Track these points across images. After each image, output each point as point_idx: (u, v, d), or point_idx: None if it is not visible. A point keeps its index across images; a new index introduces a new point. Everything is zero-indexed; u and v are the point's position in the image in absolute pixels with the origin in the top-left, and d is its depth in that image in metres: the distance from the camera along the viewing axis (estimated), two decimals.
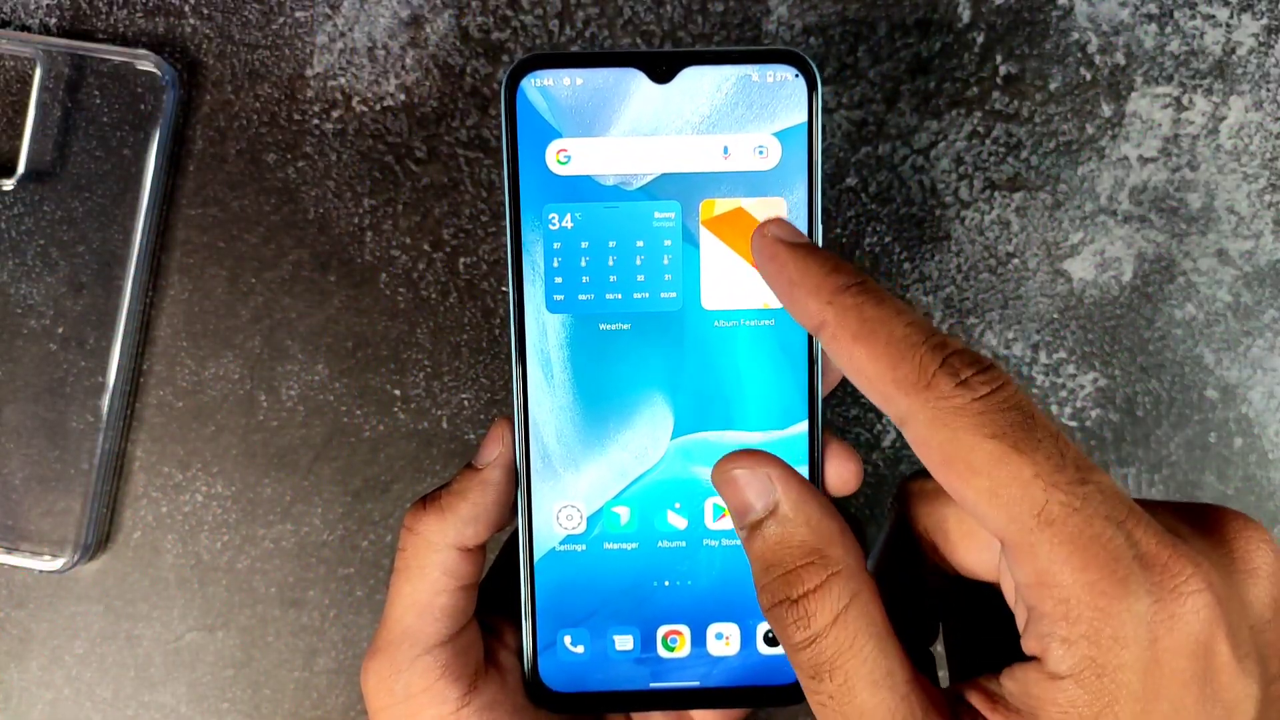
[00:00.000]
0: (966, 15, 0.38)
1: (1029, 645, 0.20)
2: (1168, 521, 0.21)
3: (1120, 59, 0.38)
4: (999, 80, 0.38)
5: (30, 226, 0.39)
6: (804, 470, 0.30)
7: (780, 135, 0.29)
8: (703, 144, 0.29)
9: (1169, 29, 0.38)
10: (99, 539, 0.40)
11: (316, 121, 0.39)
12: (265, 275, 0.40)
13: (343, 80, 0.39)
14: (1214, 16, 0.38)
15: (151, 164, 0.39)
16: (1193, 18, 0.38)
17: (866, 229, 0.39)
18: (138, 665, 0.40)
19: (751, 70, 0.29)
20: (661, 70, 0.28)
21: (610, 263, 0.29)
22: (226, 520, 0.40)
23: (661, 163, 0.29)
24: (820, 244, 0.29)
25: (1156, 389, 0.39)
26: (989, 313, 0.39)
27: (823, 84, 0.29)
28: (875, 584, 0.23)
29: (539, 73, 0.28)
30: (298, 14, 0.39)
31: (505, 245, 0.29)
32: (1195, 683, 0.19)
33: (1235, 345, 0.39)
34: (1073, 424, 0.39)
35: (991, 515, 0.20)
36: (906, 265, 0.39)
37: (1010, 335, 0.39)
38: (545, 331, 0.29)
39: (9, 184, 0.39)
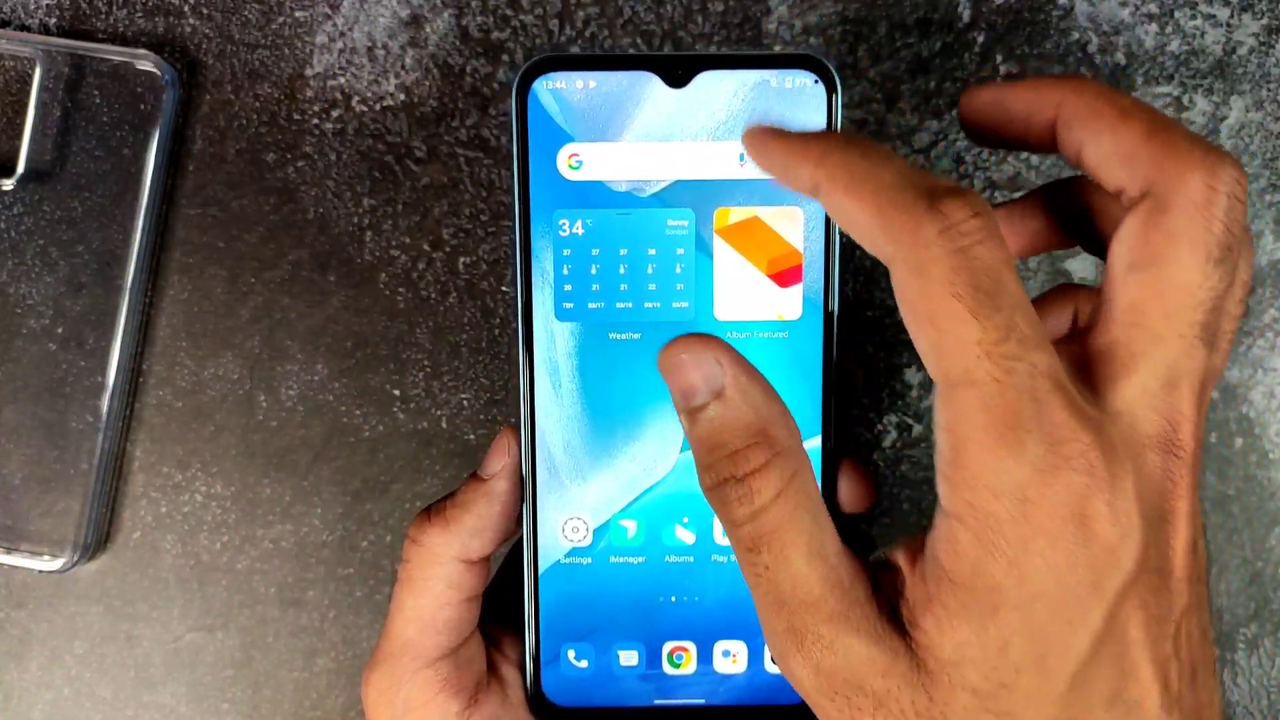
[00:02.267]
0: (967, 15, 0.38)
1: (937, 486, 0.22)
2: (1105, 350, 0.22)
3: (1121, 59, 0.38)
4: (1000, 80, 0.38)
5: (30, 226, 0.39)
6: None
7: None
8: (718, 150, 0.28)
9: (1169, 29, 0.38)
10: (98, 539, 0.40)
11: (316, 121, 0.39)
12: (265, 275, 0.40)
13: (342, 80, 0.39)
14: (1214, 16, 0.38)
15: (151, 164, 0.39)
16: (1193, 17, 0.38)
17: None
18: (137, 665, 0.40)
19: (770, 75, 0.28)
20: (677, 74, 0.28)
21: (621, 271, 0.28)
22: (226, 520, 0.40)
23: (676, 169, 0.28)
24: (839, 256, 0.28)
25: None
26: None
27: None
28: (810, 463, 0.24)
29: (552, 75, 0.28)
30: (297, 14, 0.39)
31: (514, 251, 0.29)
32: (1065, 539, 0.20)
33: (1236, 345, 0.39)
34: None
35: (932, 363, 0.21)
36: None
37: None
38: (554, 340, 0.29)
39: (8, 184, 0.39)
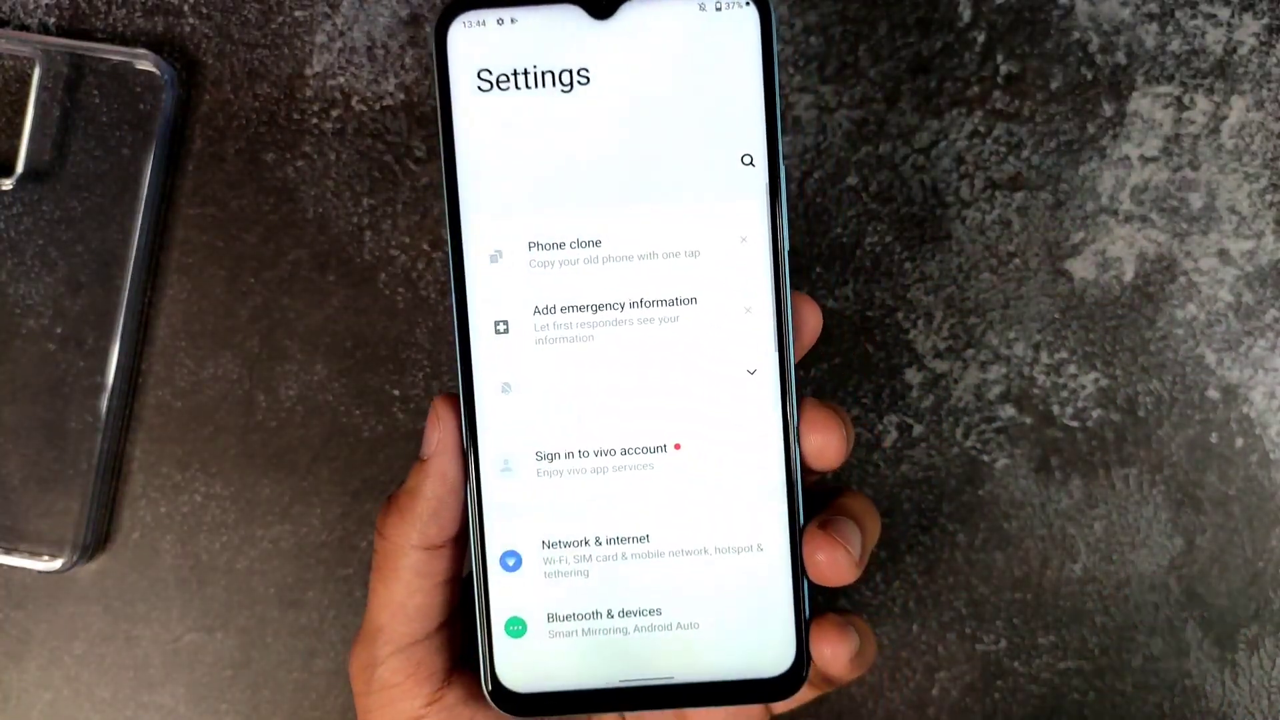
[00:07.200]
0: (967, 14, 0.38)
1: None
2: None
3: (1121, 58, 0.38)
4: (1000, 79, 0.38)
5: (29, 226, 0.39)
6: (778, 412, 0.27)
7: (733, 78, 0.27)
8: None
9: (1170, 28, 0.38)
10: (97, 539, 0.39)
11: (315, 121, 0.39)
12: (264, 275, 0.39)
13: (342, 79, 0.39)
14: (1215, 16, 0.38)
15: (150, 163, 0.39)
16: (1194, 17, 0.38)
17: (867, 228, 0.39)
18: (136, 666, 0.40)
19: (699, 1, 0.27)
20: (601, 4, 0.26)
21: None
22: (225, 521, 0.40)
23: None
24: (784, 201, 0.27)
25: (1158, 389, 0.39)
26: (990, 312, 0.39)
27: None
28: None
29: (470, 13, 0.26)
30: (297, 13, 0.39)
31: (442, 199, 0.27)
32: None
33: (1237, 345, 0.39)
34: (1074, 424, 0.39)
35: None
36: (907, 265, 0.39)
37: (1011, 335, 0.39)
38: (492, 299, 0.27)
39: (8, 184, 0.39)
